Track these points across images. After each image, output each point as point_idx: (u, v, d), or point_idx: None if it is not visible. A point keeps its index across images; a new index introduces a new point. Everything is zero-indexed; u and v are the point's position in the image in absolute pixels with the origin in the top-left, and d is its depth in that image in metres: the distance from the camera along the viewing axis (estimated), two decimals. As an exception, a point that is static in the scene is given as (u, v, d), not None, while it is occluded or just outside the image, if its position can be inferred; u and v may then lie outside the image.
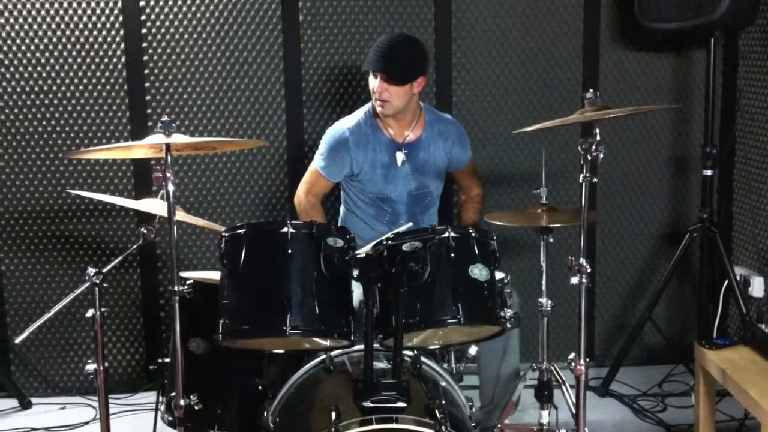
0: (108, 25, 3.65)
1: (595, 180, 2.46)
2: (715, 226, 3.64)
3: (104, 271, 2.47)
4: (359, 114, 3.29)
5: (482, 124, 3.89)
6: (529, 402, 3.18)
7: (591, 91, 2.51)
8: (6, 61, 3.64)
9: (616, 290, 4.09)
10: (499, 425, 2.99)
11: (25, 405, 3.74)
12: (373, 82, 3.14)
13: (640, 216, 4.05)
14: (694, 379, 3.09)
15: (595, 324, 4.07)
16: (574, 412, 2.58)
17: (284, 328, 2.26)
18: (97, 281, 2.45)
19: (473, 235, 2.44)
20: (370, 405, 2.18)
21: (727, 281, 3.59)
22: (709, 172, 3.64)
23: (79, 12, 3.63)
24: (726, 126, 3.88)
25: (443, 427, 2.11)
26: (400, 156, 3.24)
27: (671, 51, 3.91)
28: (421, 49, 3.22)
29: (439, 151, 3.30)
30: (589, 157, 2.38)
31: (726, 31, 3.63)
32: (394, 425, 2.15)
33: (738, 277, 3.66)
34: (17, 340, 2.55)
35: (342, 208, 3.45)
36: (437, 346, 2.66)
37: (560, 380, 2.96)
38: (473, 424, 2.44)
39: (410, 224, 2.88)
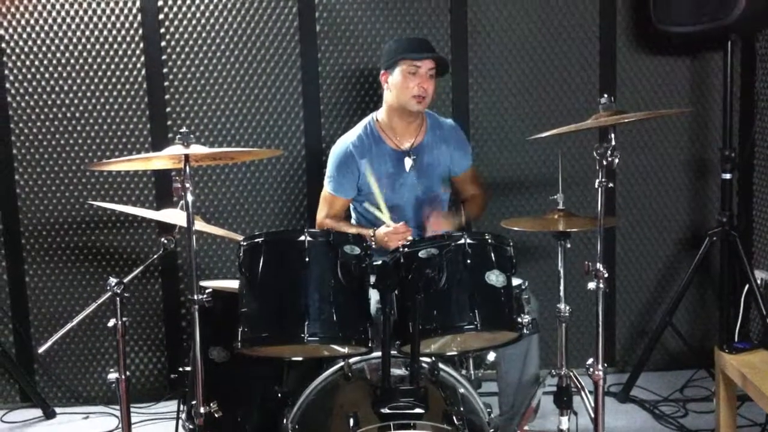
0: (128, 38, 3.70)
1: (611, 185, 2.46)
2: (735, 229, 3.61)
3: (125, 281, 2.50)
4: (359, 129, 3.30)
5: (499, 131, 3.90)
6: (549, 408, 3.17)
7: (606, 96, 2.51)
8: (29, 75, 3.70)
9: (636, 295, 4.07)
10: (518, 431, 2.99)
11: (49, 414, 3.78)
12: (413, 79, 3.12)
13: (659, 220, 4.03)
14: (715, 384, 3.07)
15: (615, 329, 4.05)
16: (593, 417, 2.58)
17: (302, 335, 2.29)
18: (119, 291, 2.48)
19: (490, 241, 2.44)
20: (388, 411, 2.19)
21: (747, 285, 3.56)
22: (728, 176, 3.62)
23: (99, 25, 3.69)
24: (745, 129, 3.85)
25: (461, 433, 2.12)
26: (408, 162, 3.25)
27: (688, 54, 3.90)
28: None
29: (443, 155, 3.31)
30: (604, 162, 2.37)
31: (742, 34, 3.62)
32: (412, 431, 2.16)
33: (759, 281, 3.64)
34: (40, 350, 2.59)
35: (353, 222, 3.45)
36: (455, 353, 2.67)
37: (579, 386, 2.95)
38: (492, 430, 2.44)
39: None
